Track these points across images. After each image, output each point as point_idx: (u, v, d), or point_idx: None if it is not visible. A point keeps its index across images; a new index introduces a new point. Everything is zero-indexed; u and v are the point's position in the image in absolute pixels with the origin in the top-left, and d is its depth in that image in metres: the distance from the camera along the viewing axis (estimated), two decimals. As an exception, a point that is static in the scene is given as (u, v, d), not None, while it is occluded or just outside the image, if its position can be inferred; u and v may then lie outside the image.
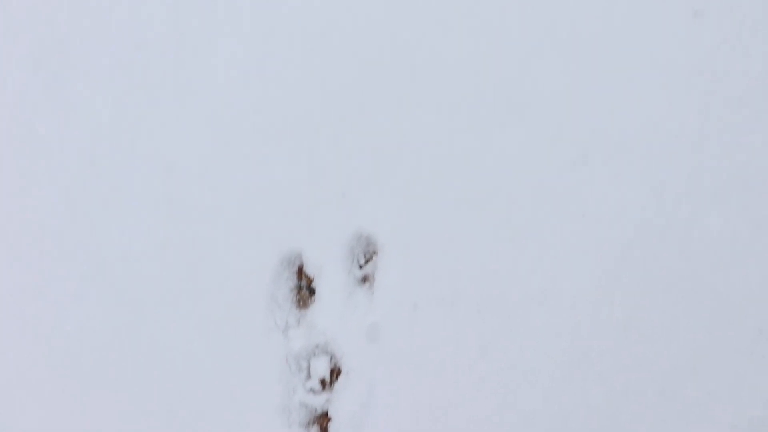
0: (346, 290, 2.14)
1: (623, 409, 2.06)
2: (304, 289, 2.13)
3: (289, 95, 2.13)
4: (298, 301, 2.13)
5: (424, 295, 2.12)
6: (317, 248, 2.13)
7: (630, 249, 2.11)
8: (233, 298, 2.12)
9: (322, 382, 2.12)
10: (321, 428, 2.13)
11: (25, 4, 2.11)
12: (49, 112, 2.10)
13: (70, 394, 2.12)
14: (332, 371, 2.12)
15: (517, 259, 2.12)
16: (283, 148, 2.12)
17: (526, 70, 2.13)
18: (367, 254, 2.13)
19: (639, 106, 2.11)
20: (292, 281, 2.13)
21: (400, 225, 2.13)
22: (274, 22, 2.14)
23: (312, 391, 2.12)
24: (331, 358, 2.13)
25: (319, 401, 2.13)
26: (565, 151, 2.12)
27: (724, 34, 2.12)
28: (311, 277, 2.13)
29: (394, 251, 2.13)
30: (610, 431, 2.06)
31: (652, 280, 2.10)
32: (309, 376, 2.12)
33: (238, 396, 2.12)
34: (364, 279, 2.13)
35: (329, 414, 2.13)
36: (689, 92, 2.11)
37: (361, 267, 2.13)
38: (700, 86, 2.12)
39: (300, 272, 2.13)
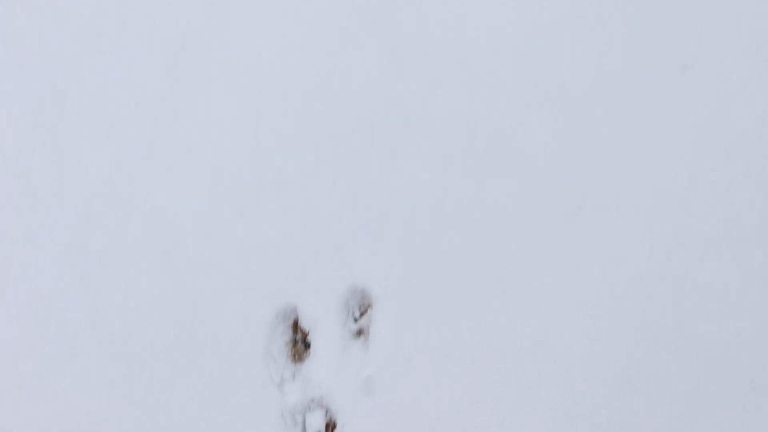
0: (341, 343, 2.14)
1: (618, 462, 2.08)
2: (300, 343, 2.13)
3: (284, 150, 2.15)
4: (294, 354, 2.14)
5: (419, 348, 2.13)
6: (312, 302, 2.14)
7: (623, 301, 2.13)
8: (229, 352, 2.12)
9: (318, 436, 2.13)
10: (316, 481, 2.13)
11: (25, 61, 2.13)
12: (47, 168, 2.11)
13: (64, 448, 2.12)
14: (327, 425, 2.12)
15: (511, 311, 2.14)
16: (277, 203, 2.14)
17: (519, 123, 2.16)
18: (362, 307, 2.14)
19: (630, 160, 2.14)
20: (288, 335, 2.14)
21: (395, 277, 2.14)
22: (269, 77, 2.16)
23: (307, 445, 2.12)
24: (326, 412, 2.13)
25: (314, 455, 2.13)
26: (558, 204, 2.14)
27: (712, 88, 2.16)
28: (306, 330, 2.13)
29: (388, 304, 2.14)
30: (606, 484, 2.08)
31: (644, 332, 2.12)
32: (304, 430, 2.12)
33: (233, 450, 2.12)
34: (359, 332, 2.14)
35: (325, 467, 2.14)
36: (679, 146, 2.14)
37: (356, 320, 2.14)
38: (690, 140, 2.15)
39: (295, 326, 2.13)
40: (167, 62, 2.14)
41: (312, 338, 2.14)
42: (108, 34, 2.15)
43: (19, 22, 2.16)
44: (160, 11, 2.16)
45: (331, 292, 2.14)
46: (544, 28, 2.17)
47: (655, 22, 2.18)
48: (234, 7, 2.17)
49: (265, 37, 2.16)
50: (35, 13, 2.16)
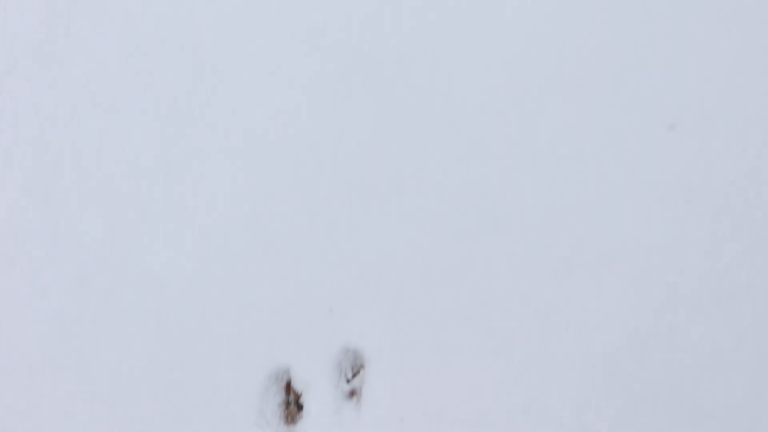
0: (334, 405, 2.15)
1: None
2: (292, 405, 2.14)
3: (277, 211, 2.17)
4: (286, 416, 2.14)
5: (411, 409, 2.14)
6: (305, 363, 2.15)
7: (613, 360, 2.13)
8: (222, 414, 2.13)
9: (311, 497, 2.12)
10: None
11: (19, 125, 2.16)
12: (41, 232, 2.13)
13: None
14: (321, 487, 2.13)
15: (503, 370, 2.14)
16: (270, 264, 2.16)
17: (509, 183, 2.18)
18: (354, 368, 2.15)
19: (619, 218, 2.16)
20: (280, 396, 2.15)
21: (387, 338, 2.15)
22: (262, 140, 2.19)
23: (300, 506, 2.12)
24: (320, 474, 2.13)
25: None
26: (548, 263, 2.16)
27: (699, 146, 2.18)
28: (299, 392, 2.14)
29: (381, 365, 2.15)
30: None
31: (635, 392, 2.12)
32: (298, 492, 2.12)
33: None
34: (352, 393, 2.15)
35: None
36: (667, 204, 2.16)
37: (348, 381, 2.14)
38: (678, 198, 2.17)
39: (288, 387, 2.14)
40: (161, 125, 2.18)
41: (305, 399, 2.14)
42: (103, 97, 2.19)
43: (14, 86, 2.20)
44: (154, 75, 2.20)
45: (323, 352, 2.16)
46: (533, 88, 2.20)
47: (642, 81, 2.21)
48: (227, 70, 2.21)
49: (259, 100, 2.20)
50: (30, 77, 2.20)
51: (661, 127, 2.20)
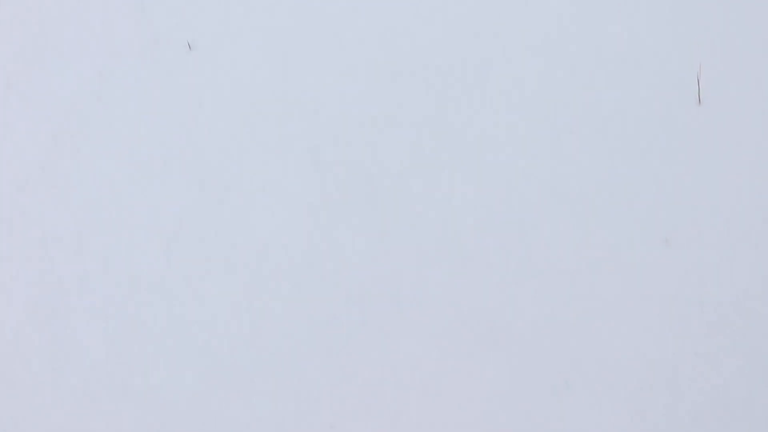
0: None
1: None
2: None
3: (277, 329, 2.19)
4: None
5: None
6: (306, 480, 2.15)
7: (615, 477, 2.13)
8: None
9: None
10: None
11: (25, 244, 2.21)
12: (46, 352, 2.16)
13: None
14: None
15: (504, 488, 2.14)
16: (271, 381, 2.17)
17: (506, 300, 2.20)
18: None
19: (617, 334, 2.17)
20: None
21: (388, 454, 2.15)
22: (264, 260, 2.22)
23: None
24: None
25: None
26: (547, 379, 2.16)
27: (695, 261, 2.21)
28: None
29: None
30: None
31: None
32: None
33: None
34: None
35: None
36: (664, 319, 2.18)
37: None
38: (675, 313, 2.18)
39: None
40: (166, 243, 2.22)
41: None
42: (108, 216, 2.24)
43: (22, 205, 2.25)
44: (158, 194, 2.25)
45: (325, 469, 2.16)
46: (530, 204, 2.25)
47: (638, 197, 2.26)
48: (230, 188, 2.26)
49: (260, 217, 2.24)
50: (38, 195, 2.25)
51: (657, 240, 2.23)
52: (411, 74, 2.38)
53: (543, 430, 2.15)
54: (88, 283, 2.20)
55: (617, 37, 2.39)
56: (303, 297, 2.21)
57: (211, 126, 2.33)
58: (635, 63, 2.36)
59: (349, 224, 2.25)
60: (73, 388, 2.16)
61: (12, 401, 2.14)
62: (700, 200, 2.25)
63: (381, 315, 2.20)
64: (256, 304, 2.20)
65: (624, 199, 2.26)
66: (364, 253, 2.23)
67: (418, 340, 2.18)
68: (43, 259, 2.22)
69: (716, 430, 2.13)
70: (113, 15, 2.45)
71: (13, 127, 2.34)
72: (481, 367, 2.18)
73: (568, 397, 2.16)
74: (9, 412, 2.15)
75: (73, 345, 2.17)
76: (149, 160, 2.30)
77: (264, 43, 2.42)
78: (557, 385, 2.17)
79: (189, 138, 2.32)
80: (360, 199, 2.26)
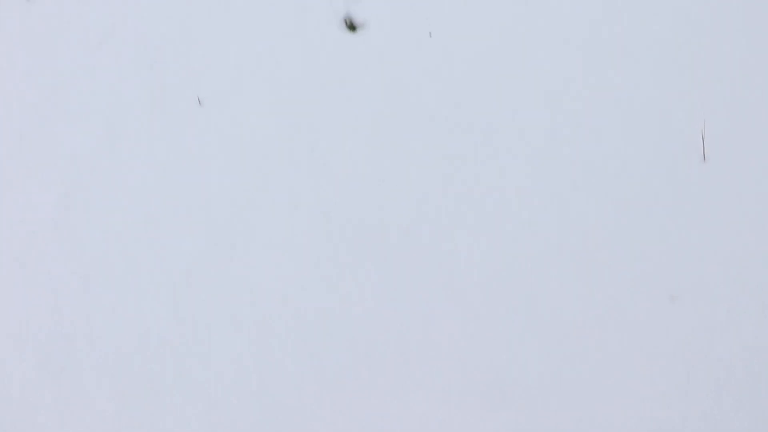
0: None
1: None
2: None
3: (284, 386, 2.20)
4: None
5: None
6: None
7: None
8: None
9: None
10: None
11: (34, 300, 2.23)
12: (55, 407, 2.17)
13: None
14: None
15: None
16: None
17: (513, 357, 2.21)
18: None
19: (623, 391, 2.17)
20: None
21: None
22: (271, 316, 2.24)
23: None
24: None
25: None
26: (553, 436, 2.17)
27: (700, 317, 2.21)
28: None
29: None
30: None
31: None
32: None
33: None
34: None
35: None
36: (669, 377, 2.17)
37: None
38: (680, 370, 2.18)
39: None
40: (173, 299, 2.24)
41: None
42: (116, 271, 2.26)
43: (32, 260, 2.27)
44: (167, 249, 2.27)
45: None
46: (534, 262, 2.26)
47: (644, 254, 2.26)
48: (238, 244, 2.28)
49: (268, 272, 2.26)
50: (47, 250, 2.28)
51: (662, 297, 2.24)
52: (418, 130, 2.41)
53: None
54: (96, 338, 2.21)
55: (623, 94, 2.41)
56: (310, 353, 2.22)
57: (220, 181, 2.36)
58: (641, 120, 2.38)
59: (356, 280, 2.26)
60: (80, 444, 2.17)
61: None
62: (706, 257, 2.25)
63: (388, 370, 2.20)
64: (264, 361, 2.21)
65: (630, 255, 2.27)
66: (371, 310, 2.24)
67: (425, 397, 2.19)
68: (52, 314, 2.24)
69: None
70: (124, 71, 2.49)
71: (25, 180, 2.37)
72: (488, 424, 2.18)
73: (575, 455, 2.16)
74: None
75: (82, 400, 2.18)
76: (158, 215, 2.33)
77: (273, 100, 2.45)
78: (564, 442, 2.16)
79: (198, 193, 2.34)
80: (367, 255, 2.28)
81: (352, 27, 2.54)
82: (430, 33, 2.51)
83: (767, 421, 2.12)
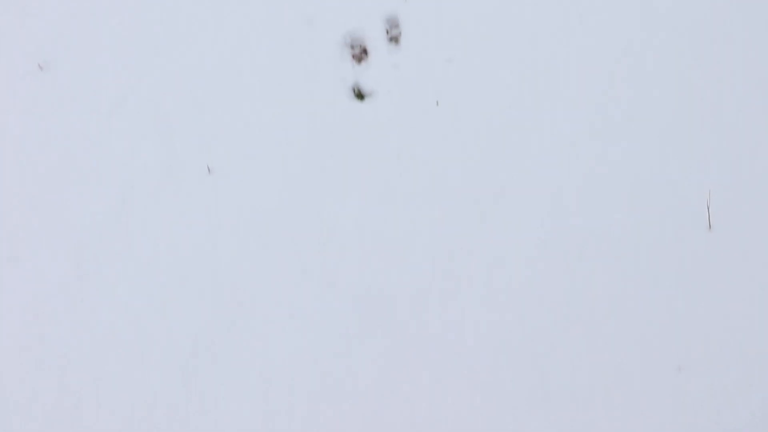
0: None
1: None
2: None
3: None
4: None
5: None
6: None
7: None
8: None
9: None
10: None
11: (43, 367, 2.25)
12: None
13: None
14: None
15: None
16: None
17: (519, 425, 2.22)
18: None
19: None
20: None
21: None
22: (278, 381, 2.26)
23: None
24: None
25: None
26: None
27: (707, 388, 2.23)
28: None
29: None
30: None
31: None
32: None
33: None
34: None
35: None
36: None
37: None
38: (690, 437, 2.19)
39: None
40: (181, 366, 2.26)
41: None
42: (125, 339, 2.28)
43: (41, 327, 2.29)
44: (175, 316, 2.29)
45: None
46: (542, 332, 2.28)
47: (651, 324, 2.28)
48: (245, 312, 2.31)
49: (274, 341, 2.28)
50: (58, 317, 2.30)
51: (670, 367, 2.25)
52: (425, 199, 2.43)
53: None
54: (105, 407, 2.23)
55: (627, 162, 2.43)
56: (318, 422, 2.23)
57: (229, 249, 2.38)
58: (646, 190, 2.40)
59: (363, 349, 2.28)
60: None
61: None
62: (713, 326, 2.27)
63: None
64: (271, 428, 2.23)
65: (636, 325, 2.28)
66: (378, 378, 2.25)
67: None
68: (61, 382, 2.26)
69: None
70: (134, 139, 2.52)
71: (36, 249, 2.39)
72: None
73: None
74: None
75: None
76: (167, 282, 2.35)
77: (281, 168, 2.48)
78: None
79: (206, 261, 2.37)
80: (374, 323, 2.29)
81: (360, 96, 2.57)
82: (437, 101, 2.54)
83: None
